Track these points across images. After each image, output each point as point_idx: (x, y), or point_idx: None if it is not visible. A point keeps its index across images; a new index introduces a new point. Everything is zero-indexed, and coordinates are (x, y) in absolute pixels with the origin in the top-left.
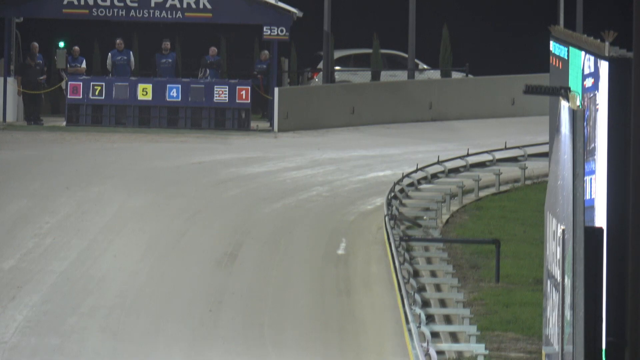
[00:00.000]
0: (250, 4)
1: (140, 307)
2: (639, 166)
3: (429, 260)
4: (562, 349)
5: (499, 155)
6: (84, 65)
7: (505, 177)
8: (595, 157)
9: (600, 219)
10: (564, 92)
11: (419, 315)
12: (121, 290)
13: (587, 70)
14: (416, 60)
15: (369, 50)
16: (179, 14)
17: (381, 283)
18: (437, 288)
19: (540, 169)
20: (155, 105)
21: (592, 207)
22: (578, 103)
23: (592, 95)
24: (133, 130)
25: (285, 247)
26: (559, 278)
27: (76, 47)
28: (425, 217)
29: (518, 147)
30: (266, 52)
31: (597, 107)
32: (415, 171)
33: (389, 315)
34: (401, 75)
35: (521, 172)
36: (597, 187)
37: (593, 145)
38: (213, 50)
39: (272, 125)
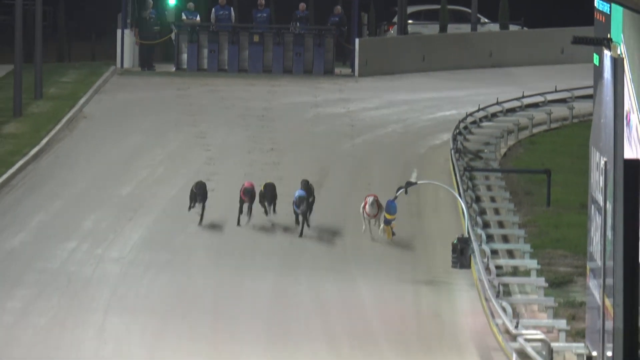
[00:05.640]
0: None
1: (241, 225)
2: None
3: (489, 188)
4: (604, 264)
5: (550, 97)
6: (198, 18)
7: (556, 116)
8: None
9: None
10: (607, 42)
11: (480, 235)
12: (223, 213)
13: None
14: (478, 15)
15: (438, 6)
16: None
17: (448, 207)
18: (496, 212)
19: (585, 109)
20: None
21: None
22: (619, 52)
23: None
24: (233, 76)
25: (365, 177)
26: (601, 203)
27: (191, 4)
28: (485, 151)
29: (567, 90)
30: (338, 7)
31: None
32: (477, 111)
33: (454, 234)
34: (465, 28)
35: (569, 112)
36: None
37: None
38: (302, 6)
39: (353, 71)
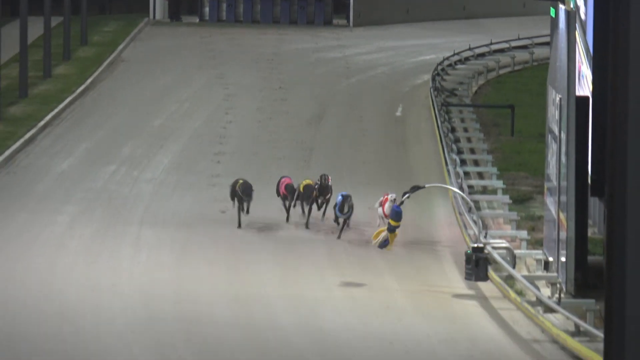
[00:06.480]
0: None
1: (253, 152)
2: (616, 49)
3: (462, 120)
4: (559, 184)
5: (514, 44)
6: None
7: (519, 59)
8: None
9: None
10: None
11: (455, 160)
12: (238, 141)
13: None
14: None
15: None
16: None
17: (428, 136)
18: (468, 140)
19: (543, 53)
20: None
21: None
22: (572, 6)
23: None
24: (247, 26)
25: (358, 111)
26: (557, 133)
27: None
28: (459, 89)
29: (528, 38)
30: None
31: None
32: (453, 55)
33: (434, 159)
34: None
35: (530, 56)
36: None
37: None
38: None
39: (348, 22)
